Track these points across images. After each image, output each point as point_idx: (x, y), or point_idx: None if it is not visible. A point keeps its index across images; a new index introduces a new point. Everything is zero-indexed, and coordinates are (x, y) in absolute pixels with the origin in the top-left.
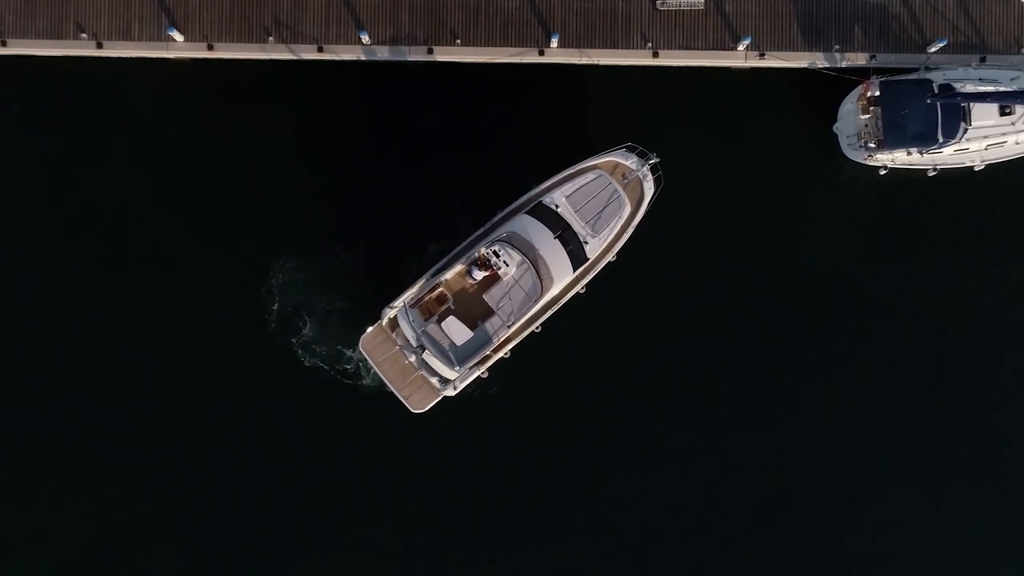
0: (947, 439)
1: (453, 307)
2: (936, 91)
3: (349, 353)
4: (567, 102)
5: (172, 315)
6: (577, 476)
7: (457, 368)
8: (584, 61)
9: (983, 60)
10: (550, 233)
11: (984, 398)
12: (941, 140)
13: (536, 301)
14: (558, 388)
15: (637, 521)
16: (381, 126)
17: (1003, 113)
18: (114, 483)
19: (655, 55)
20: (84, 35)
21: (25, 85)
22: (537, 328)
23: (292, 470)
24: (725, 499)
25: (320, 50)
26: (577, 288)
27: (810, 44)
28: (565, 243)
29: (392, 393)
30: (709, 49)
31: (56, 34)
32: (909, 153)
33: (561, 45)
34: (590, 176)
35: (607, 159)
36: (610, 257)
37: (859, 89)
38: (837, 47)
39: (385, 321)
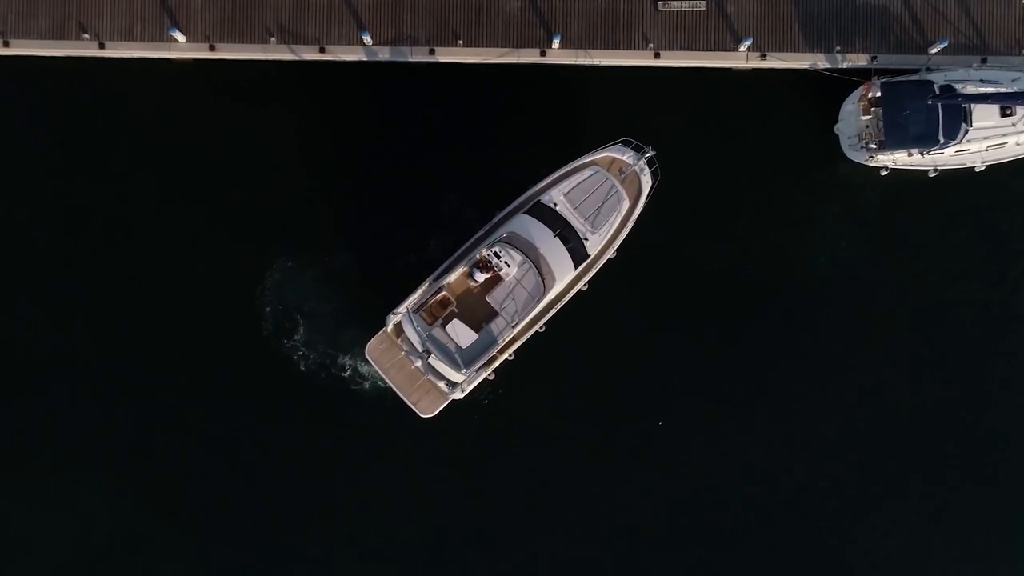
0: (947, 439)
1: (457, 310)
2: (937, 92)
3: (350, 353)
4: (568, 103)
5: (172, 315)
6: (578, 475)
7: (464, 371)
8: (585, 62)
9: (984, 61)
10: (550, 232)
11: (986, 398)
12: (942, 141)
13: (539, 300)
14: (561, 388)
15: (637, 521)
16: (383, 127)
17: (1004, 114)
18: (114, 483)
19: (657, 56)
20: (86, 35)
21: (27, 85)
22: (541, 328)
23: (292, 470)
24: (727, 499)
25: (322, 51)
26: (579, 286)
27: (811, 45)
28: (565, 241)
29: (399, 398)
30: (710, 50)
31: (58, 34)
32: (910, 154)
33: (563, 46)
34: (587, 172)
35: (603, 155)
36: (611, 253)
37: (860, 90)
38: (838, 48)
39: (390, 327)
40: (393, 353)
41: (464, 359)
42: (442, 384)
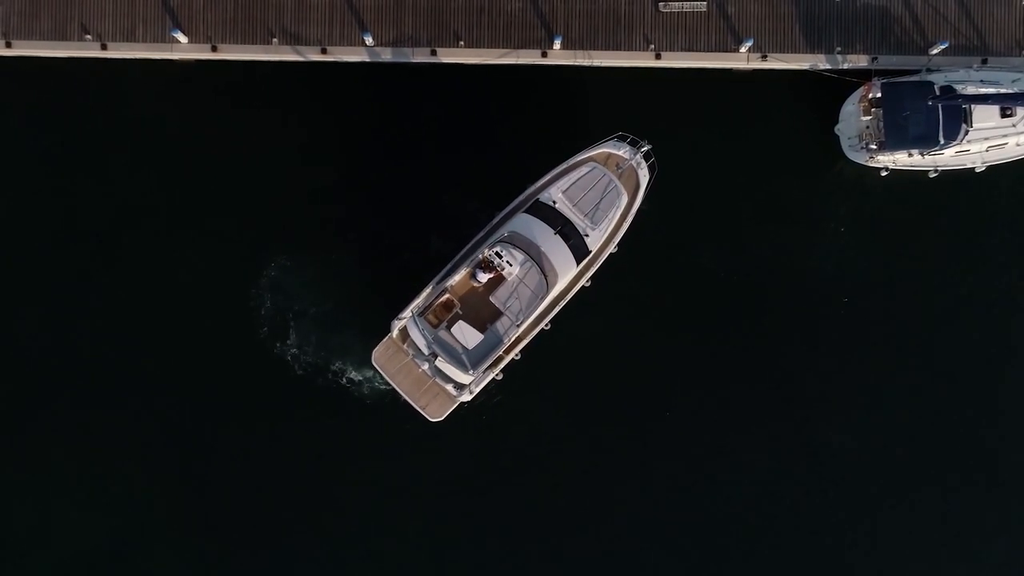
0: (948, 440)
1: (461, 312)
2: (937, 93)
3: (350, 353)
4: (570, 103)
5: (172, 315)
6: (578, 476)
7: (471, 372)
8: (587, 63)
9: (984, 62)
10: (550, 229)
11: (988, 398)
12: (942, 142)
13: (543, 298)
14: (563, 387)
15: (639, 521)
16: (384, 127)
17: (1004, 115)
18: (114, 484)
19: (658, 57)
20: (88, 36)
21: (29, 86)
22: (546, 326)
23: (292, 470)
24: (730, 499)
25: (324, 52)
26: (582, 282)
27: (812, 46)
28: (566, 238)
29: (406, 401)
30: (711, 51)
31: (60, 35)
32: (910, 154)
33: (564, 47)
34: (584, 169)
35: (600, 151)
36: (612, 248)
37: (861, 91)
38: (839, 49)
39: (395, 333)
40: (399, 358)
41: (471, 360)
42: (450, 387)
